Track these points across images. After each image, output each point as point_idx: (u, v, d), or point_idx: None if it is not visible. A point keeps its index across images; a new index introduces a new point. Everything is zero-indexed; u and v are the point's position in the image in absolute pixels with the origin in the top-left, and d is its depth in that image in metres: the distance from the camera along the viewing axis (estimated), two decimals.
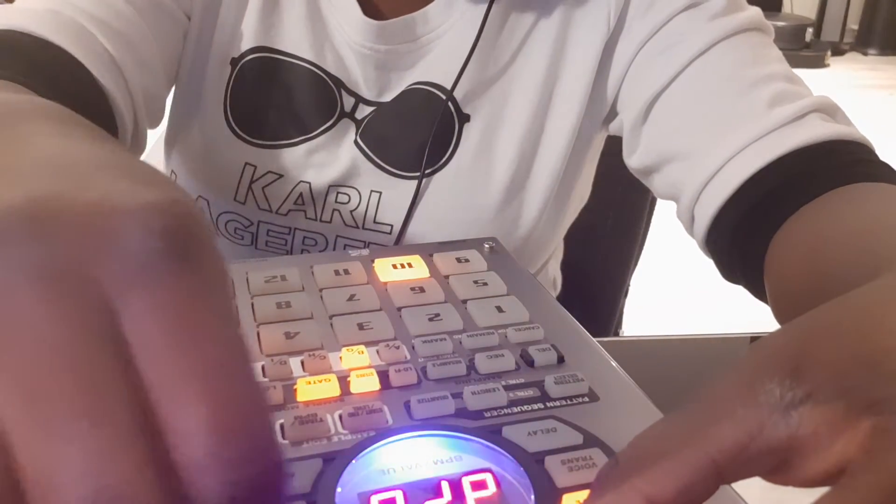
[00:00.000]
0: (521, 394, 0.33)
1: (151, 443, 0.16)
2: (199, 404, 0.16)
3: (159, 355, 0.16)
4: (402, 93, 0.61)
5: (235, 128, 0.61)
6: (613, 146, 0.64)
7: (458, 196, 0.61)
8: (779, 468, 0.22)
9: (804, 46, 4.57)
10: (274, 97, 0.61)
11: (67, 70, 0.48)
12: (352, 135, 0.62)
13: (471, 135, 0.61)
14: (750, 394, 0.22)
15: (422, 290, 0.42)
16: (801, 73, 0.55)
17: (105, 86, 0.50)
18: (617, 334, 0.99)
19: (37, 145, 0.21)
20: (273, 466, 0.17)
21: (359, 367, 0.35)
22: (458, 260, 0.46)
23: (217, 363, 0.17)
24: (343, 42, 0.61)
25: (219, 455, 0.16)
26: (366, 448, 0.29)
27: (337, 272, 0.44)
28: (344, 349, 0.36)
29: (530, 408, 0.32)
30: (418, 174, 0.61)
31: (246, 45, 0.61)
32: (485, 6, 0.59)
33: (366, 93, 0.62)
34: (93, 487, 0.15)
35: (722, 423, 0.22)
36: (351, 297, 0.41)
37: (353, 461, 0.29)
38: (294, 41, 0.61)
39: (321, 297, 0.41)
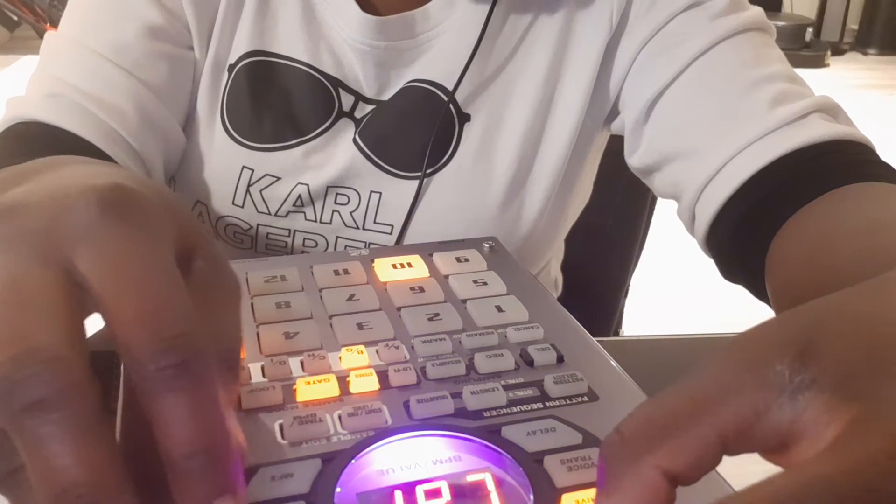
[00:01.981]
0: (521, 393, 0.33)
1: (69, 318, 0.22)
2: (131, 300, 0.22)
3: (103, 280, 0.22)
4: (401, 90, 0.61)
5: (232, 132, 0.61)
6: (614, 146, 0.64)
7: (458, 196, 0.61)
8: (777, 449, 0.22)
9: (804, 46, 4.57)
10: (270, 100, 0.61)
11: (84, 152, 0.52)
12: (350, 134, 0.61)
13: (471, 134, 0.61)
14: (760, 372, 0.22)
15: (421, 289, 0.42)
16: (801, 72, 0.55)
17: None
18: (617, 334, 0.99)
19: (51, 172, 0.28)
20: (196, 349, 0.23)
21: (358, 367, 0.35)
22: (458, 259, 0.46)
23: (145, 277, 0.23)
24: (341, 40, 0.60)
25: (149, 332, 0.22)
26: (365, 448, 0.29)
27: (336, 272, 0.43)
28: (343, 349, 0.36)
29: (530, 407, 0.32)
30: (418, 174, 0.61)
31: (241, 50, 0.60)
32: (485, 5, 0.59)
33: (366, 90, 0.61)
34: (16, 346, 0.21)
35: (730, 398, 0.22)
36: (350, 297, 0.41)
37: (353, 461, 0.29)
38: (288, 44, 0.61)
39: (321, 297, 0.41)
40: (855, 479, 0.18)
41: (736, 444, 0.22)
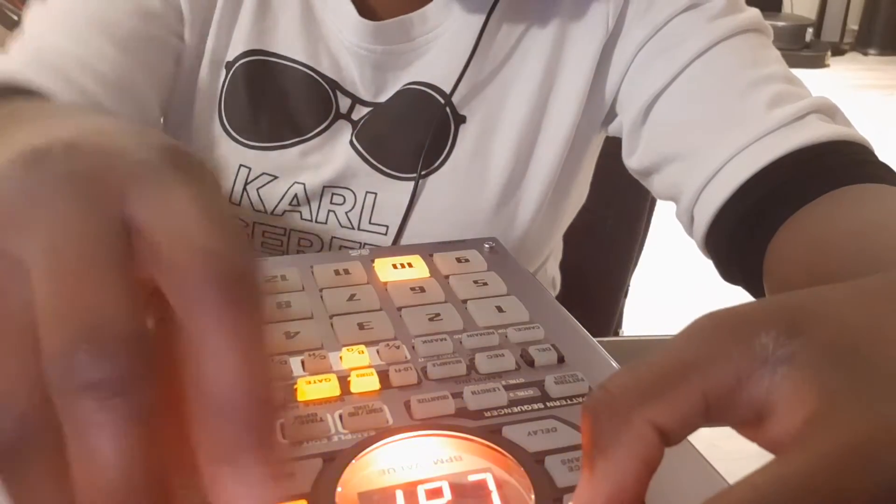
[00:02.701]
0: (522, 394, 0.33)
1: (135, 286, 0.20)
2: (190, 248, 0.21)
3: (155, 225, 0.21)
4: (398, 93, 0.61)
5: (230, 130, 0.61)
6: (613, 147, 0.64)
7: (453, 197, 0.61)
8: (751, 422, 0.23)
9: (804, 47, 4.57)
10: (268, 100, 0.61)
11: None
12: (347, 136, 0.62)
13: (466, 136, 0.61)
14: (747, 341, 0.22)
15: (422, 289, 0.42)
16: (800, 73, 0.55)
17: None
18: (617, 334, 0.99)
19: (68, 117, 0.27)
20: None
21: (359, 366, 0.35)
22: (458, 260, 0.46)
23: (200, 223, 0.21)
24: (339, 43, 0.61)
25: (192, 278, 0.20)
26: (366, 448, 0.29)
27: (337, 272, 0.44)
28: (344, 349, 0.36)
29: (530, 407, 0.33)
30: (413, 175, 0.61)
31: (240, 48, 0.60)
32: (481, 9, 0.59)
33: (363, 93, 0.62)
34: (83, 318, 0.19)
35: (717, 362, 0.22)
36: (351, 297, 0.41)
37: (353, 461, 0.29)
38: (288, 44, 0.61)
39: (321, 296, 0.41)
40: (819, 477, 0.18)
41: (716, 411, 0.22)
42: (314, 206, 0.62)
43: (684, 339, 0.23)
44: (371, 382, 0.34)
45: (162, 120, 0.65)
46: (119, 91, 0.55)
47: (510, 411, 0.32)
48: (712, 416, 0.22)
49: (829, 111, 0.52)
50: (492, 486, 0.28)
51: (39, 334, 0.19)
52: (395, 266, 0.44)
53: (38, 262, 0.20)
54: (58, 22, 0.56)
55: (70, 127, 0.24)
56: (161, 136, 0.24)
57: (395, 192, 0.61)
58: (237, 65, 0.61)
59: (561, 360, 0.36)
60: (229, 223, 0.22)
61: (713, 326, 0.23)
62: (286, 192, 0.62)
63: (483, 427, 0.31)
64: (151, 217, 0.21)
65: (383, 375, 0.34)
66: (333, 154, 0.62)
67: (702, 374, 0.22)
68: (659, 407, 0.22)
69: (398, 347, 0.36)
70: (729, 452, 0.41)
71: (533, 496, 0.28)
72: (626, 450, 0.22)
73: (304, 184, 0.61)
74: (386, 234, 0.62)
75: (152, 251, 0.21)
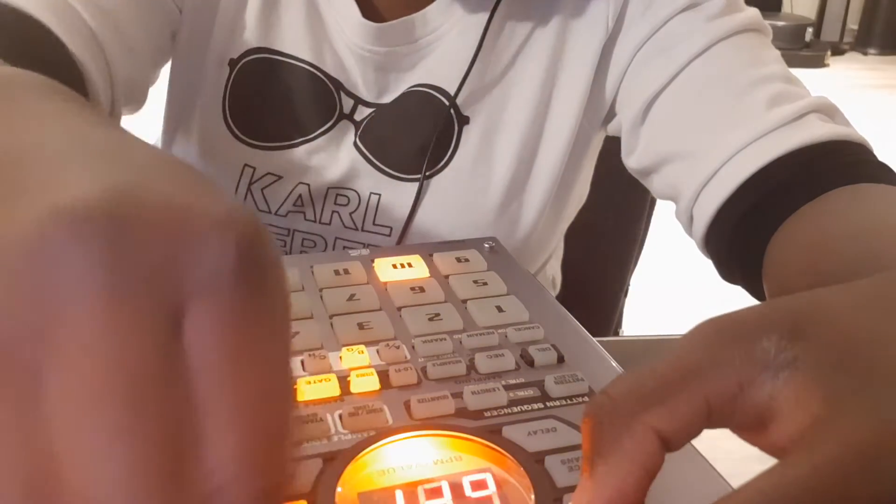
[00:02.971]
0: (522, 393, 0.33)
1: (182, 463, 0.16)
2: (239, 433, 0.16)
3: (214, 372, 0.16)
4: (402, 95, 0.61)
5: (234, 129, 0.61)
6: (613, 147, 0.64)
7: (456, 198, 0.61)
8: (754, 426, 0.23)
9: (804, 46, 4.57)
10: (273, 98, 0.61)
11: (44, 43, 0.47)
12: (351, 136, 0.62)
13: (470, 137, 0.61)
14: (747, 348, 0.22)
15: (422, 289, 0.42)
16: (800, 73, 0.55)
17: (82, 62, 0.48)
18: (617, 334, 0.99)
19: (63, 123, 0.21)
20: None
21: (359, 366, 0.35)
22: (458, 260, 0.46)
23: (265, 394, 0.17)
24: (342, 44, 0.61)
25: (244, 484, 0.16)
26: (366, 448, 0.29)
27: (337, 272, 0.44)
28: (344, 349, 0.36)
29: (530, 407, 0.33)
30: (417, 176, 0.61)
31: (244, 45, 0.60)
32: (483, 9, 0.59)
33: (365, 94, 0.62)
34: (121, 499, 0.15)
35: (719, 369, 0.22)
36: (351, 297, 0.41)
37: (353, 461, 0.29)
38: (293, 42, 0.61)
39: (321, 296, 0.41)
40: (824, 481, 0.18)
41: (719, 416, 0.22)
42: (318, 206, 0.62)
43: (686, 344, 0.23)
44: (371, 382, 0.34)
45: (163, 115, 0.65)
46: (114, 31, 0.52)
47: (510, 411, 0.32)
48: (715, 421, 0.22)
49: (828, 111, 0.52)
50: (491, 486, 0.28)
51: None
52: (394, 266, 0.44)
53: (62, 415, 0.15)
54: None
55: (89, 153, 0.19)
56: (236, 206, 0.18)
57: (398, 193, 0.61)
58: (242, 62, 0.61)
59: (561, 359, 0.36)
60: (282, 362, 0.18)
61: (715, 332, 0.23)
62: (291, 193, 0.62)
63: (483, 427, 0.31)
64: (205, 354, 0.17)
65: (383, 375, 0.34)
66: (338, 155, 0.62)
67: (704, 380, 0.22)
68: (660, 413, 0.22)
69: (398, 347, 0.36)
70: (729, 452, 0.41)
71: (533, 496, 0.28)
72: (626, 455, 0.22)
73: (308, 185, 0.61)
74: (390, 235, 0.62)
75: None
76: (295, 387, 0.18)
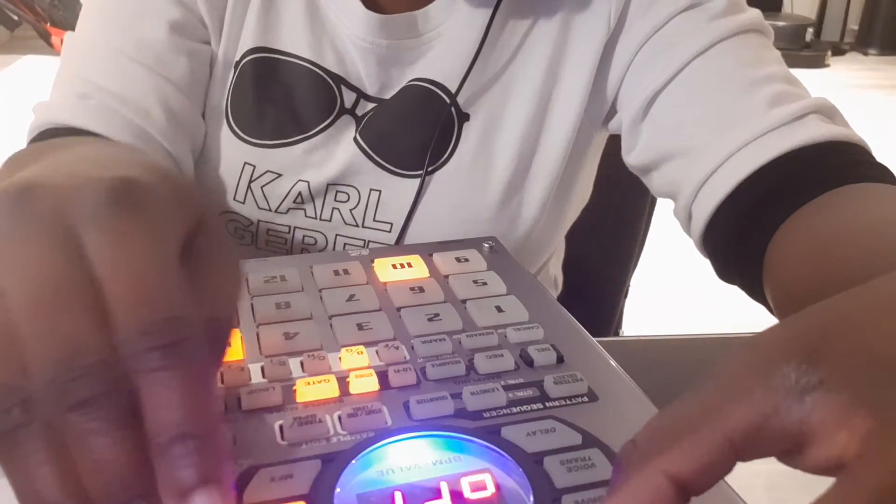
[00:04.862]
0: (521, 394, 0.33)
1: (99, 313, 0.23)
2: (128, 283, 0.23)
3: (105, 263, 0.24)
4: (402, 89, 0.61)
5: (235, 128, 0.62)
6: (614, 146, 0.64)
7: (457, 195, 0.61)
8: (790, 451, 0.22)
9: (804, 46, 4.56)
10: (272, 97, 0.61)
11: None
12: (351, 132, 0.62)
13: (470, 134, 0.61)
14: (766, 375, 0.22)
15: (421, 290, 0.42)
16: (801, 73, 0.55)
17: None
18: (617, 334, 0.99)
19: (84, 149, 0.31)
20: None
21: (358, 367, 0.35)
22: (458, 260, 0.46)
23: (143, 265, 0.24)
24: (344, 37, 0.61)
25: (142, 313, 0.23)
26: (365, 449, 0.29)
27: (336, 272, 0.44)
28: (343, 350, 0.36)
29: (529, 408, 0.32)
30: (417, 173, 0.61)
31: (245, 46, 0.61)
32: (486, 6, 0.59)
33: (368, 88, 0.62)
34: (55, 341, 0.22)
35: (738, 402, 0.22)
36: (350, 298, 0.41)
37: (352, 462, 0.29)
38: (292, 40, 0.61)
39: (321, 297, 0.41)
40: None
41: (746, 448, 0.22)
42: (318, 203, 0.62)
43: (707, 383, 0.23)
44: (370, 383, 0.34)
45: None
46: (170, 122, 0.58)
47: (509, 411, 0.32)
48: (744, 455, 0.22)
49: (828, 112, 0.52)
50: (490, 486, 0.28)
51: (27, 354, 0.22)
52: (394, 266, 0.44)
53: (12, 294, 0.23)
54: (96, 58, 0.57)
55: (42, 165, 0.28)
56: (125, 171, 0.26)
57: (398, 189, 0.61)
58: (243, 63, 0.61)
59: (560, 360, 0.36)
60: (163, 266, 0.24)
61: (731, 365, 0.23)
62: (290, 190, 0.62)
63: (482, 427, 0.31)
64: (96, 260, 0.24)
65: (382, 376, 0.34)
66: (337, 151, 0.62)
67: (723, 417, 0.22)
68: (675, 455, 0.22)
69: (397, 348, 0.36)
70: None
71: (531, 497, 0.27)
72: (631, 498, 0.22)
73: (308, 181, 0.62)
74: (390, 232, 0.62)
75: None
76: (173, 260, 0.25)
